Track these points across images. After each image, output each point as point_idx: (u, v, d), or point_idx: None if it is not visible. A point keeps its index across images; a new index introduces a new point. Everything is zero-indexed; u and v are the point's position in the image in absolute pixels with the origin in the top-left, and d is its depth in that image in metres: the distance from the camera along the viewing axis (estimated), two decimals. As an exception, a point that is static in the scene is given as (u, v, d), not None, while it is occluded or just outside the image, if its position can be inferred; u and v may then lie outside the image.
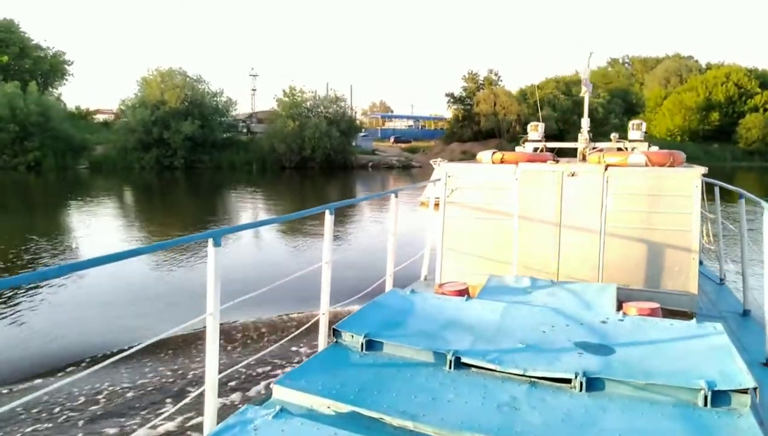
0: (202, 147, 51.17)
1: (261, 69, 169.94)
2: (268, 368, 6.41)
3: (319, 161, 51.99)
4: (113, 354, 3.12)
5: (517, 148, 7.72)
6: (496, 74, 65.25)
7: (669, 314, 4.15)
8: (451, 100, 66.08)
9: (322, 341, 3.91)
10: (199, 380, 5.34)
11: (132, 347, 2.85)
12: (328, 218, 3.93)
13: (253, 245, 15.32)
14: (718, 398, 2.30)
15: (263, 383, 6.02)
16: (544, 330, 3.13)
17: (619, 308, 4.06)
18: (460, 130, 64.92)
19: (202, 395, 2.89)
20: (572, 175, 5.21)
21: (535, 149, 7.47)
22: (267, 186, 40.11)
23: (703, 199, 5.58)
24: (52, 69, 60.17)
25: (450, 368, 2.68)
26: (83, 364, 6.65)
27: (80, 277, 11.08)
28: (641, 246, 5.00)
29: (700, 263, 6.09)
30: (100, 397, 5.80)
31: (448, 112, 68.44)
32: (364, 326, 3.03)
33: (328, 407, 2.38)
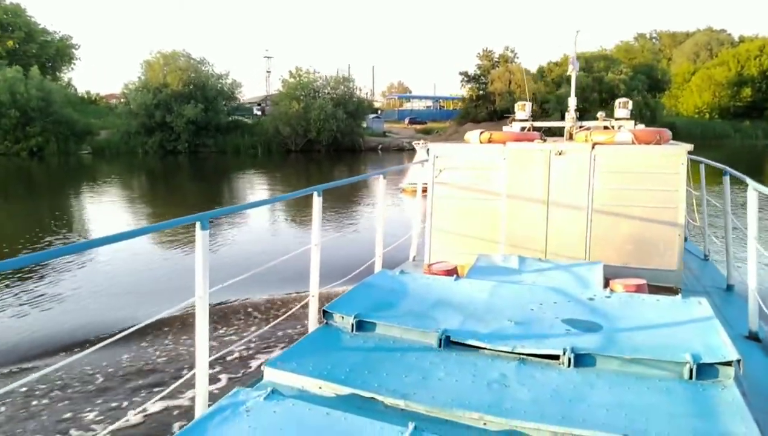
0: (205, 131, 49.96)
1: (278, 52, 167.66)
2: (259, 350, 6.36)
3: (325, 144, 50.43)
4: (103, 338, 2.97)
5: (504, 128, 7.60)
6: (512, 51, 62.43)
7: (655, 290, 4.17)
8: (465, 78, 63.51)
9: (313, 322, 3.90)
10: (189, 363, 5.17)
11: (122, 331, 2.83)
12: (316, 200, 3.95)
13: (242, 228, 15.19)
14: (704, 371, 2.35)
15: (254, 365, 5.99)
16: (532, 308, 3.16)
17: (606, 284, 4.07)
18: (475, 110, 62.45)
19: (193, 378, 2.90)
20: (559, 153, 5.19)
21: (523, 129, 7.41)
22: (270, 170, 39.13)
23: (688, 176, 5.77)
24: (59, 53, 59.55)
25: (440, 346, 2.70)
26: (74, 349, 6.59)
27: (68, 262, 11.01)
28: (628, 223, 5.03)
29: (686, 239, 6.40)
30: (90, 381, 5.78)
31: (462, 92, 65.90)
32: (354, 307, 3.04)
33: (320, 388, 2.38)
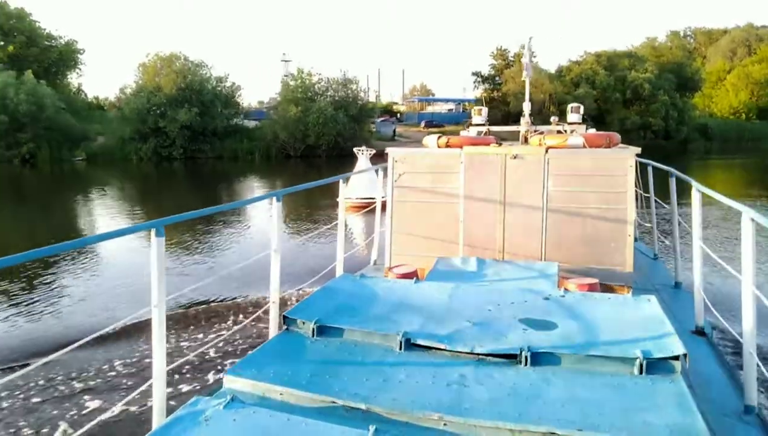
0: (202, 136, 47.98)
1: (299, 55, 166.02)
2: (219, 357, 6.21)
3: (325, 149, 47.84)
4: (59, 348, 2.79)
5: (462, 133, 7.77)
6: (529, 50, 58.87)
7: (607, 288, 4.49)
8: (479, 79, 60.28)
9: (273, 328, 3.90)
10: (148, 372, 4.37)
11: (78, 341, 2.80)
12: (276, 205, 3.94)
13: (201, 234, 14.87)
14: (653, 365, 2.44)
15: (214, 373, 5.83)
16: (490, 309, 3.23)
17: (561, 284, 4.22)
18: (489, 112, 59.10)
19: (150, 387, 2.84)
20: (514, 157, 5.32)
21: (479, 133, 7.58)
22: (265, 175, 37.29)
23: (638, 178, 6.11)
24: (62, 58, 58.51)
25: (401, 349, 2.73)
26: (27, 359, 6.51)
27: (26, 270, 10.86)
28: (580, 224, 5.17)
29: (637, 239, 7.11)
30: (45, 391, 5.66)
31: (476, 93, 62.69)
32: (315, 312, 3.06)
33: (281, 394, 2.37)
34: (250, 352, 2.78)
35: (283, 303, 4.06)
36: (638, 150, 5.14)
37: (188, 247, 13.18)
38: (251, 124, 53.65)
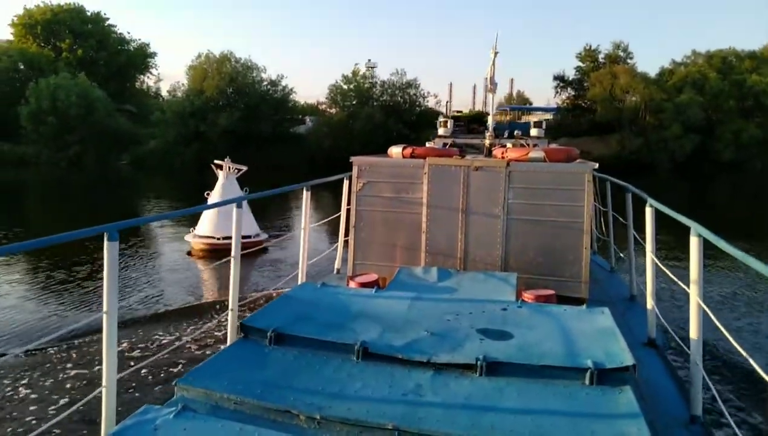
0: (246, 141, 45.06)
1: (386, 59, 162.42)
2: (174, 365, 6.00)
3: (375, 158, 43.05)
4: (6, 354, 3.02)
5: (427, 144, 8.18)
6: (624, 50, 50.21)
7: (563, 300, 4.48)
8: (561, 84, 52.55)
9: (232, 336, 3.82)
10: (98, 380, 3.94)
11: (26, 348, 2.95)
12: (237, 212, 3.90)
13: (160, 240, 14.53)
14: (603, 376, 2.50)
15: (167, 382, 5.57)
16: (448, 319, 3.28)
17: (519, 295, 4.37)
18: (571, 121, 51.35)
19: (100, 395, 2.80)
20: (476, 169, 5.37)
21: (445, 145, 8.32)
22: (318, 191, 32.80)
23: (597, 193, 6.72)
24: (130, 61, 58.80)
25: (358, 358, 2.74)
26: None
27: None
28: (539, 236, 5.23)
29: (594, 252, 7.37)
30: None
31: (557, 100, 54.95)
32: (273, 320, 3.04)
33: (234, 403, 2.35)
34: (205, 360, 2.73)
35: (243, 311, 3.96)
36: (596, 165, 5.39)
37: (145, 252, 12.54)
38: (303, 130, 50.18)
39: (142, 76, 62.84)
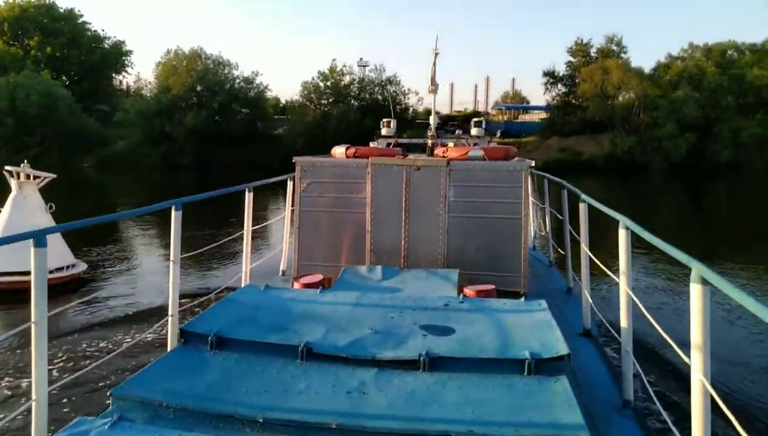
0: (214, 141, 42.68)
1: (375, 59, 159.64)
2: (110, 376, 5.75)
3: (349, 159, 40.61)
4: None
5: (371, 143, 7.92)
6: (618, 43, 47.50)
7: (503, 294, 4.51)
8: (551, 80, 49.92)
9: (173, 343, 3.70)
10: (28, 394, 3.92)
11: None
12: (175, 215, 3.82)
13: (94, 246, 13.40)
14: (540, 366, 2.58)
15: (104, 392, 5.30)
16: (392, 316, 3.32)
17: (461, 291, 4.41)
18: (562, 120, 48.74)
19: (30, 408, 2.67)
20: (418, 168, 5.42)
21: (389, 144, 7.80)
22: (262, 189, 30.69)
23: (536, 189, 7.14)
24: (104, 60, 56.52)
25: (302, 360, 2.73)
26: None
27: None
28: (480, 233, 5.32)
29: (534, 247, 7.77)
30: None
31: (547, 97, 52.32)
32: (215, 325, 2.99)
33: (173, 411, 2.31)
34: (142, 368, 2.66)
35: (184, 316, 3.83)
36: (533, 163, 5.58)
37: (82, 258, 11.67)
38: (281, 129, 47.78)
39: (118, 76, 60.46)
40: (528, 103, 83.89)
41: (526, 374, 2.55)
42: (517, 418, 2.20)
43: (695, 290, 2.16)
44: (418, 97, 47.14)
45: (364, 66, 47.19)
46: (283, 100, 56.23)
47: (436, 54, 7.63)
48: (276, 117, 51.88)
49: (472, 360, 2.64)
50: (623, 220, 3.29)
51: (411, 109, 45.45)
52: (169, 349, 3.57)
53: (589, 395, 3.21)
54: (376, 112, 42.16)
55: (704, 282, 2.14)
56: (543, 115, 64.87)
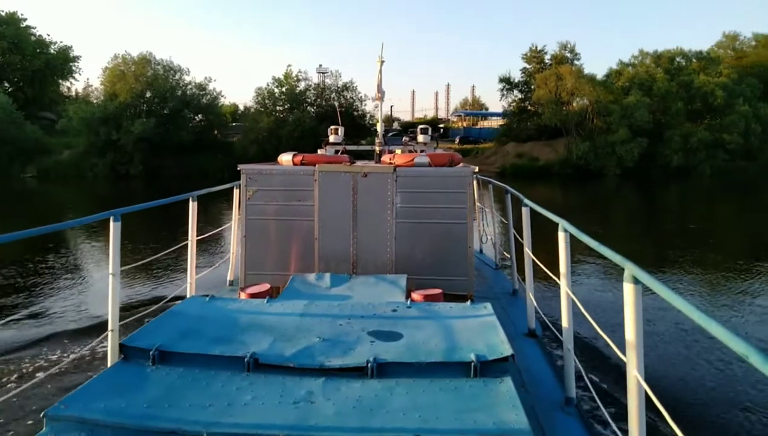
0: (165, 150, 41.23)
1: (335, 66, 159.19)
2: (46, 396, 5.39)
3: (305, 167, 39.78)
4: None
5: (319, 151, 7.71)
6: (571, 50, 48.04)
7: (451, 298, 4.53)
8: (507, 86, 50.20)
9: (112, 358, 3.68)
10: None
11: None
12: (114, 226, 3.78)
13: (31, 257, 12.88)
14: (485, 368, 2.63)
15: (38, 414, 4.55)
16: (341, 324, 3.30)
17: (409, 295, 4.38)
18: (518, 126, 49.07)
19: None
20: (365, 175, 5.45)
21: (337, 151, 7.79)
22: (212, 199, 29.74)
23: (483, 194, 7.52)
24: (49, 66, 54.25)
25: (248, 371, 2.68)
26: None
27: None
28: (427, 238, 5.38)
29: (481, 251, 7.92)
30: None
31: (502, 104, 52.61)
32: (156, 338, 2.93)
33: (112, 430, 2.27)
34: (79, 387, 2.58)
35: (125, 331, 3.61)
36: (476, 168, 5.57)
37: (17, 271, 11.57)
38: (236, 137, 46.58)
39: (65, 82, 58.21)
40: (487, 109, 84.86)
41: (472, 376, 2.59)
42: (463, 420, 2.23)
43: (628, 289, 2.27)
44: (375, 103, 46.78)
45: (323, 73, 46.60)
46: (241, 107, 55.24)
47: (382, 62, 7.71)
48: (234, 124, 50.72)
49: (419, 365, 2.66)
50: (562, 223, 3.40)
51: (368, 115, 44.84)
52: (109, 365, 3.47)
53: (534, 394, 3.34)
54: (333, 118, 41.56)
55: (636, 281, 2.23)
56: (501, 121, 65.56)
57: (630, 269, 2.24)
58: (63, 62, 56.21)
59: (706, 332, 1.61)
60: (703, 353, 6.51)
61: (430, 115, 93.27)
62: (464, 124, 67.11)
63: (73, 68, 57.68)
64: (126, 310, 4.01)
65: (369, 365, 2.63)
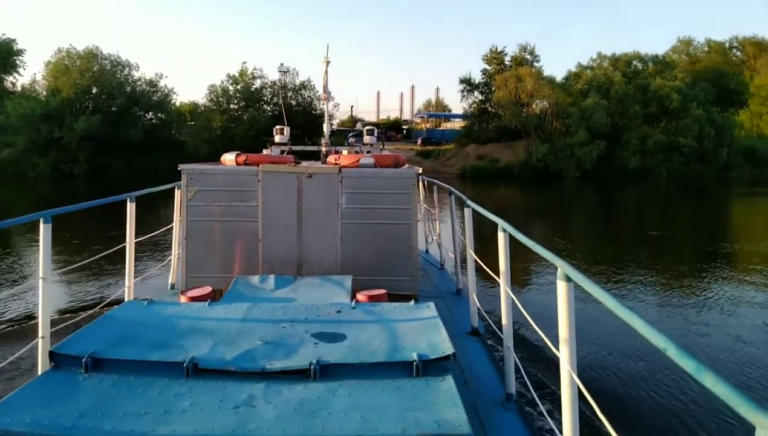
0: (112, 149, 39.34)
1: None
2: None
3: (259, 168, 38.51)
4: None
5: (264, 151, 7.57)
6: (531, 52, 48.10)
7: (396, 298, 4.48)
8: (467, 88, 49.91)
9: (42, 367, 3.50)
10: None
11: None
12: (44, 228, 3.65)
13: None
14: (427, 367, 2.62)
15: None
16: (284, 326, 3.24)
17: (354, 297, 4.40)
18: (479, 127, 48.79)
19: None
20: (310, 176, 5.42)
21: (282, 152, 7.68)
22: (153, 200, 28.25)
23: (427, 195, 7.52)
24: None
25: (188, 376, 2.60)
26: None
27: None
28: (372, 239, 5.37)
29: (426, 251, 8.24)
30: None
31: (463, 105, 52.35)
32: (90, 345, 2.81)
33: None
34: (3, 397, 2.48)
35: (57, 338, 3.41)
36: (420, 170, 5.64)
37: None
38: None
39: (8, 77, 55.10)
40: (450, 111, 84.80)
41: (414, 375, 2.59)
42: (404, 419, 2.23)
43: (561, 287, 2.34)
44: (334, 103, 45.76)
45: (284, 72, 45.39)
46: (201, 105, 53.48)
47: (328, 62, 7.65)
48: (191, 123, 48.97)
49: (362, 366, 2.66)
50: (501, 223, 3.47)
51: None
52: (39, 374, 3.33)
53: (476, 391, 3.44)
54: (289, 118, 40.46)
55: (568, 279, 2.30)
56: (464, 123, 65.37)
57: (562, 267, 2.29)
58: (6, 56, 53.23)
59: (633, 327, 1.64)
60: (631, 348, 6.64)
61: (394, 116, 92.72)
62: (427, 125, 66.79)
63: (17, 62, 54.68)
64: (58, 315, 3.82)
65: (312, 367, 2.59)
